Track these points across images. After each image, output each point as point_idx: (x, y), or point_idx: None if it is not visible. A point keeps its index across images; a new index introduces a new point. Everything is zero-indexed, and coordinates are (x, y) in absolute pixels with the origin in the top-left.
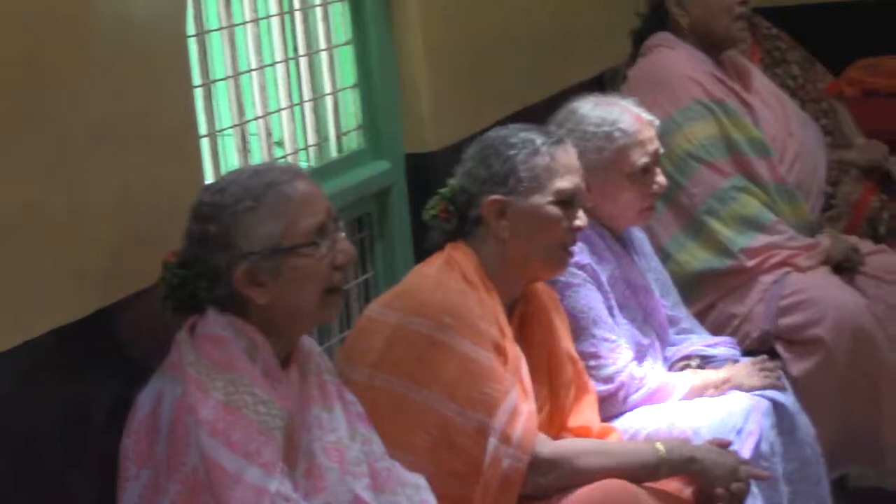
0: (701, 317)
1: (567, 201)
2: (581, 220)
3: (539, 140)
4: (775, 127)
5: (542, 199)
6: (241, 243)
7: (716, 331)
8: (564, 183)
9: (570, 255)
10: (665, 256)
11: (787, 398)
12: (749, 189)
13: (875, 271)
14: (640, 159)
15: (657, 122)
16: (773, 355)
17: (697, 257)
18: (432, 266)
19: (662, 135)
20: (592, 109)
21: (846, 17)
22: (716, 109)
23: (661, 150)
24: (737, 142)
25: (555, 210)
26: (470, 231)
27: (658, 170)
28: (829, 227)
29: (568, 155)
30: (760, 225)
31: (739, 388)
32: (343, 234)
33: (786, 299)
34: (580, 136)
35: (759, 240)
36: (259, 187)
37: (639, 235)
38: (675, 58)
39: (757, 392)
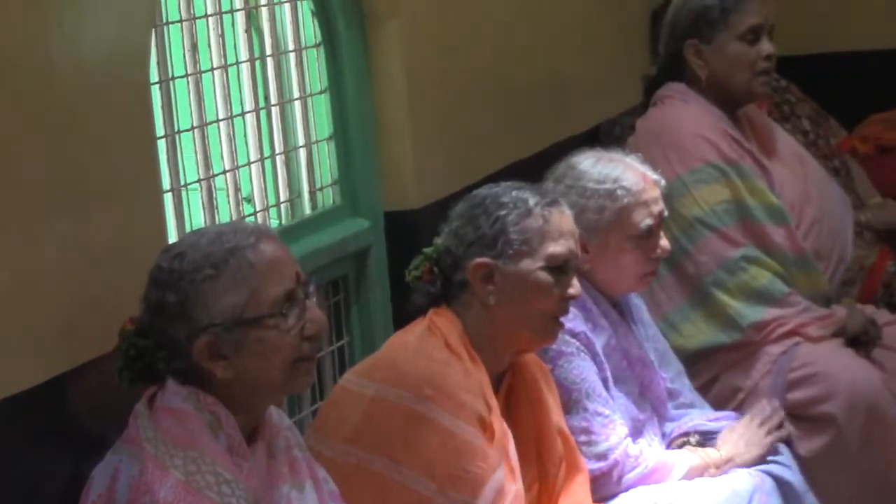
0: (703, 390)
1: (560, 267)
2: (575, 288)
3: (532, 200)
4: (793, 190)
5: (533, 265)
6: (200, 315)
7: (719, 405)
8: (558, 248)
9: (561, 325)
10: (668, 326)
11: (794, 476)
12: (760, 260)
13: (892, 343)
14: (644, 221)
15: (663, 182)
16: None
17: (703, 331)
18: (413, 333)
19: (669, 196)
20: (594, 165)
21: (858, 67)
22: (729, 172)
23: (666, 213)
24: (750, 208)
25: (546, 277)
26: (455, 295)
27: (662, 233)
28: (843, 293)
29: (563, 217)
30: (772, 298)
31: (743, 465)
32: (314, 302)
33: (795, 372)
34: (580, 192)
35: (770, 313)
36: (220, 253)
37: (636, 302)
38: (688, 113)
39: (761, 468)
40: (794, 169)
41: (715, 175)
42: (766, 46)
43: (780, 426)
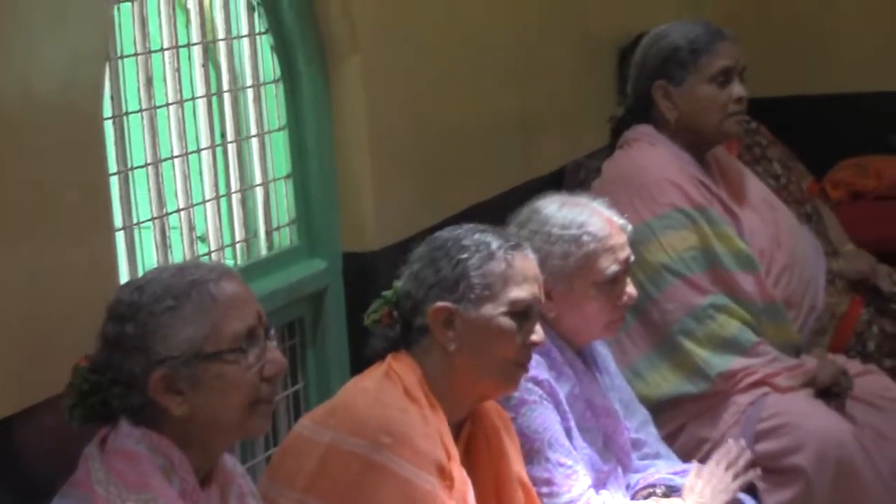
0: (669, 440)
1: (523, 313)
2: (538, 334)
3: (495, 243)
4: (763, 237)
5: (495, 310)
6: (158, 347)
7: (685, 456)
8: (521, 293)
9: (525, 371)
10: (634, 375)
11: None
12: (728, 308)
13: (864, 395)
14: (610, 267)
15: (630, 227)
16: (749, 488)
17: (669, 380)
18: (371, 379)
19: (636, 241)
20: (559, 210)
21: (825, 111)
22: (697, 218)
23: (633, 258)
24: (719, 255)
25: (508, 323)
26: (414, 340)
27: (628, 280)
28: (813, 342)
29: (526, 261)
30: (740, 347)
31: None
32: (274, 343)
33: (763, 423)
34: (544, 238)
35: (738, 363)
36: (181, 286)
37: (602, 351)
38: (655, 156)
39: None
40: (764, 215)
41: (682, 221)
42: (737, 89)
43: (746, 469)
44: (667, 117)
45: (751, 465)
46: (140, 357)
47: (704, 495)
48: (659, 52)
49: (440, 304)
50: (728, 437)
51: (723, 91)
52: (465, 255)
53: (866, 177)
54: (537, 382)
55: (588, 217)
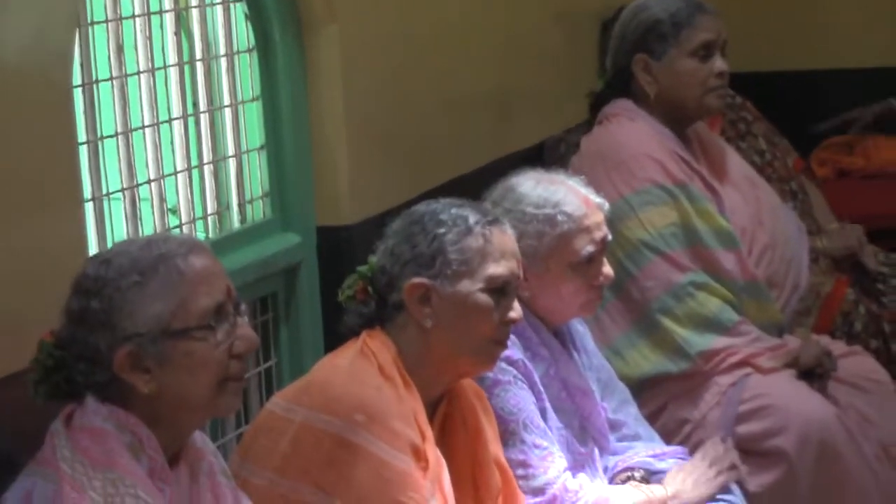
0: (649, 421)
1: (500, 289)
2: (516, 311)
3: (473, 218)
4: (744, 215)
5: (472, 286)
6: (124, 323)
7: (665, 437)
8: (499, 269)
9: (503, 349)
10: (613, 353)
11: None
12: (709, 286)
13: (848, 376)
14: (585, 248)
15: (606, 206)
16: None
17: (649, 359)
18: (345, 356)
19: (614, 218)
20: (534, 188)
21: (811, 87)
22: (677, 194)
23: (610, 237)
24: (699, 232)
25: (485, 299)
26: (389, 317)
27: (605, 260)
28: (796, 322)
29: (504, 237)
30: (721, 326)
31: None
32: (245, 319)
33: (745, 404)
34: (518, 217)
35: (719, 342)
36: (148, 260)
37: (580, 329)
38: (634, 132)
39: None
40: (746, 193)
41: (662, 197)
42: (718, 63)
43: (732, 467)
44: (646, 92)
45: (736, 463)
46: (105, 333)
47: (685, 484)
48: (639, 24)
49: (416, 279)
50: (709, 419)
51: (704, 65)
52: (441, 230)
53: (852, 155)
54: (511, 362)
55: (563, 196)
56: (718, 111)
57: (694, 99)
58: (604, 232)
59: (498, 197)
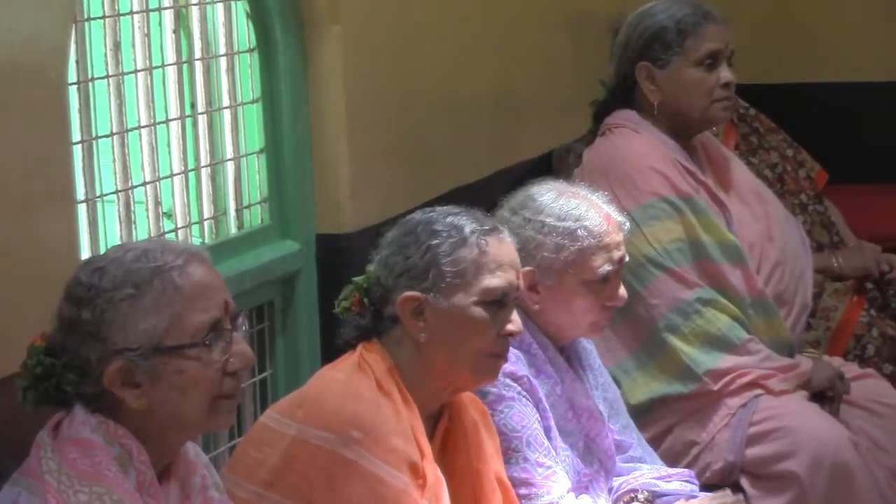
0: (656, 443)
1: (497, 301)
2: (514, 324)
3: (468, 228)
4: (753, 230)
5: (467, 300)
6: (116, 337)
7: (672, 460)
8: (494, 280)
9: (503, 361)
10: (621, 373)
11: None
12: (717, 303)
13: (860, 400)
14: (603, 266)
15: (627, 226)
16: (738, 491)
17: (657, 378)
18: (342, 369)
19: None
20: (556, 199)
21: (828, 99)
22: (682, 207)
23: (627, 259)
24: (706, 246)
25: (481, 313)
26: (385, 330)
27: (620, 281)
28: (809, 350)
29: (501, 246)
30: (729, 344)
31: None
32: (241, 334)
33: (755, 426)
34: (537, 227)
35: (727, 360)
36: (143, 272)
37: (586, 347)
38: (638, 143)
39: None
40: (754, 207)
41: (667, 211)
42: (724, 74)
43: None
44: (650, 101)
45: None
46: (96, 345)
47: None
48: (643, 32)
49: (409, 293)
50: (718, 441)
51: (709, 75)
52: (435, 241)
53: None
54: (516, 378)
55: (586, 211)
56: (722, 122)
57: (698, 109)
58: (622, 252)
59: (517, 205)
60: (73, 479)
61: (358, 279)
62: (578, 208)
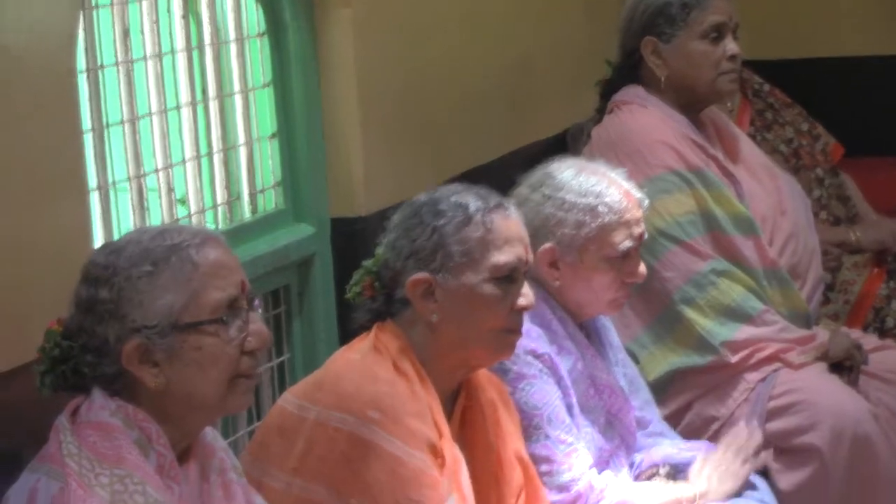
0: (675, 419)
1: (507, 277)
2: (526, 298)
3: (473, 206)
4: (765, 202)
5: (476, 278)
6: (134, 314)
7: (692, 435)
8: (503, 257)
9: (518, 336)
10: (638, 347)
11: None
12: (731, 273)
13: (879, 371)
14: (623, 242)
15: (647, 202)
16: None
17: (674, 351)
18: (358, 351)
19: None
20: (575, 176)
21: (848, 73)
22: (693, 180)
23: (646, 236)
24: (717, 218)
25: (492, 289)
26: (398, 312)
27: (640, 258)
28: (826, 322)
29: (508, 222)
30: (745, 315)
31: (717, 500)
32: (258, 315)
33: (775, 400)
34: (557, 204)
35: (744, 331)
36: (161, 250)
37: (605, 324)
38: (646, 118)
39: (738, 501)
40: (765, 182)
41: (678, 183)
42: (730, 46)
43: (757, 453)
44: (656, 76)
45: (761, 448)
46: (114, 324)
47: (711, 480)
48: (648, 6)
49: (418, 275)
50: (737, 416)
51: (715, 48)
52: (441, 222)
53: None
54: (537, 356)
55: (606, 187)
56: (730, 95)
57: (706, 82)
58: (642, 228)
59: (536, 182)
60: (94, 463)
61: (367, 263)
62: (599, 185)
